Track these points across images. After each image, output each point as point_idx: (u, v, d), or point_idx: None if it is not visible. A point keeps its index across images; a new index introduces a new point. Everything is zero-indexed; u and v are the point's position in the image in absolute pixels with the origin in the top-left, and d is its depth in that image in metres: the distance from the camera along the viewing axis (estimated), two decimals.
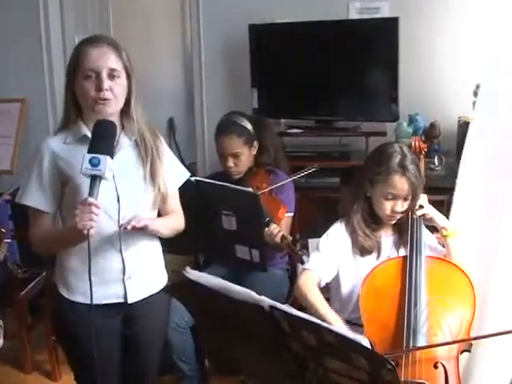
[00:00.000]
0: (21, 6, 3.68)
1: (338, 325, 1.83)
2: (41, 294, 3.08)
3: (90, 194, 1.68)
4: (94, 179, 1.69)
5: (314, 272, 2.09)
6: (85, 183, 1.73)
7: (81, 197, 1.75)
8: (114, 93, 1.79)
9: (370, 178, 2.11)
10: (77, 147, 1.82)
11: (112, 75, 1.79)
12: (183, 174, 2.06)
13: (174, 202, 2.02)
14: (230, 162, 2.68)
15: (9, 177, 3.42)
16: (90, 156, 1.68)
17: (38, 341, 3.12)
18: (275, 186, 2.62)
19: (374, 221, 2.16)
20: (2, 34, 3.70)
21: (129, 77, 1.84)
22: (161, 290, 1.99)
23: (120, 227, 1.82)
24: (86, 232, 1.67)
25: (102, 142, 1.73)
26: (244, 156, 2.69)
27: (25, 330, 3.05)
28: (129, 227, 1.78)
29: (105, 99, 1.78)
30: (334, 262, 2.14)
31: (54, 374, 3.07)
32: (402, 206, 2.08)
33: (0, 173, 3.47)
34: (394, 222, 2.15)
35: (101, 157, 1.68)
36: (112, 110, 1.81)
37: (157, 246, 2.00)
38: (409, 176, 2.04)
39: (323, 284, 2.11)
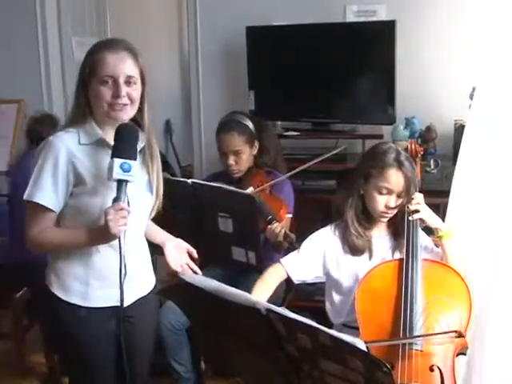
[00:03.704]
0: (18, 7, 3.68)
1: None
2: (37, 296, 3.07)
3: (118, 198, 1.68)
4: (121, 184, 1.68)
5: (283, 267, 2.18)
6: (101, 186, 1.74)
7: (98, 200, 1.75)
8: (131, 98, 1.78)
9: (364, 174, 2.12)
10: (93, 150, 1.79)
11: (129, 81, 1.76)
12: None
13: None
14: (231, 160, 2.68)
15: (6, 178, 3.41)
16: (120, 161, 1.68)
17: (34, 343, 3.10)
18: (273, 181, 2.66)
19: (367, 219, 2.16)
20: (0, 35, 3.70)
21: (143, 83, 1.82)
22: (151, 291, 2.00)
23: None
24: (119, 236, 1.69)
25: (129, 146, 1.73)
26: (245, 154, 2.70)
27: (20, 332, 3.03)
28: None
29: (122, 105, 1.76)
30: (311, 263, 2.18)
31: (49, 377, 3.05)
32: (395, 202, 2.09)
33: None
34: (386, 220, 2.15)
35: (131, 162, 1.69)
36: (128, 116, 1.80)
37: (147, 248, 2.01)
38: (404, 171, 2.06)
39: (296, 280, 2.20)
